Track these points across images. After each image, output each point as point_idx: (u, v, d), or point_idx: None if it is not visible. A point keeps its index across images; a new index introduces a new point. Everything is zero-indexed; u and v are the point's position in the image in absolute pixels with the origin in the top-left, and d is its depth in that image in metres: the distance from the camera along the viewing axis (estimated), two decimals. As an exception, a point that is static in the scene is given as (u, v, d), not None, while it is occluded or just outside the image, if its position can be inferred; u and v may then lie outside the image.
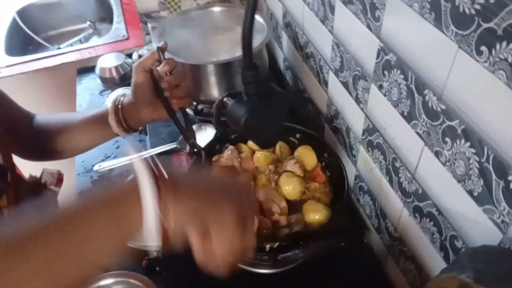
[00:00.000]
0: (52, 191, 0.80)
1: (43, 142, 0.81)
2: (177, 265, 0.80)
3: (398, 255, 0.76)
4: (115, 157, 1.17)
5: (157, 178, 0.39)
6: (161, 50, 0.75)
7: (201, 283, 0.76)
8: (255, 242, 0.43)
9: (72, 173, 1.14)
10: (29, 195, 0.76)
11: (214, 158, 0.83)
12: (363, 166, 0.83)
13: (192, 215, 0.40)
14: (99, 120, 0.79)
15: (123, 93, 1.31)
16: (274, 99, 0.45)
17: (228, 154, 0.78)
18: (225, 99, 0.53)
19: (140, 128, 0.85)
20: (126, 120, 0.78)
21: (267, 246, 0.66)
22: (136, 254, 0.93)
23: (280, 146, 0.81)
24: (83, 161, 1.17)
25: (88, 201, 0.40)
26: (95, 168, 1.02)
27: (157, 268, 0.82)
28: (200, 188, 0.41)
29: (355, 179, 0.88)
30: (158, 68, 0.75)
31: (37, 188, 0.79)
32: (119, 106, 0.78)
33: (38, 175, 0.80)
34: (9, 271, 0.34)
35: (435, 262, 0.64)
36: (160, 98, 0.76)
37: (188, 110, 1.11)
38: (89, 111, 0.83)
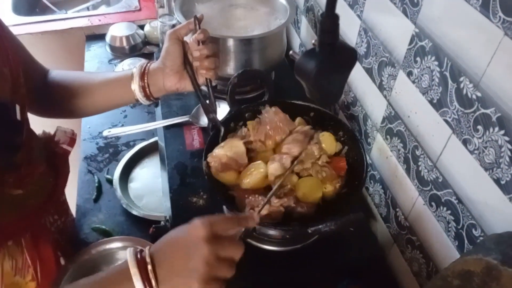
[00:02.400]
0: (64, 150, 0.78)
1: (58, 98, 0.79)
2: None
3: (406, 244, 0.77)
4: (122, 125, 1.16)
5: (144, 268, 0.50)
6: (198, 20, 0.74)
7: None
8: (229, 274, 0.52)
9: (78, 138, 1.13)
10: (42, 152, 0.75)
11: (228, 135, 0.83)
12: (377, 154, 0.84)
13: None
14: (121, 83, 0.78)
15: (135, 62, 1.29)
16: (344, 54, 0.45)
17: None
18: (291, 52, 0.53)
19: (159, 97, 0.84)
20: (150, 86, 0.78)
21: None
22: (143, 222, 0.93)
23: (298, 122, 0.81)
24: (89, 127, 1.15)
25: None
26: (104, 133, 1.01)
27: (164, 237, 0.82)
28: (175, 268, 0.51)
29: (367, 168, 0.88)
30: (193, 36, 0.75)
31: (50, 145, 0.77)
32: (146, 72, 0.77)
33: (52, 133, 0.79)
34: None
35: (447, 251, 0.65)
36: (189, 68, 0.75)
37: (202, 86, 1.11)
38: (111, 73, 0.82)
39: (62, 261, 0.79)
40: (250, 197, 0.70)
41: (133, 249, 0.52)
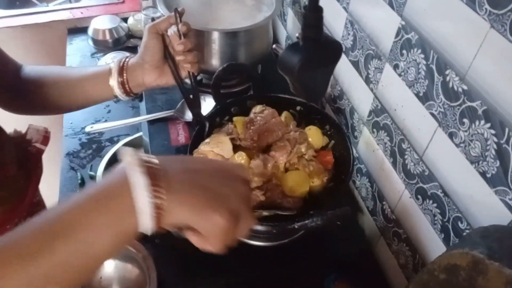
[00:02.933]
0: (38, 149, 0.75)
1: (32, 95, 0.76)
2: (169, 233, 0.79)
3: (392, 237, 0.77)
4: (105, 121, 1.14)
5: (149, 168, 0.38)
6: (179, 14, 0.72)
7: (194, 250, 0.75)
8: (252, 223, 0.43)
9: (59, 134, 1.10)
10: (13, 151, 0.72)
11: (214, 130, 0.81)
12: (364, 148, 0.84)
13: (186, 209, 0.39)
14: (99, 79, 0.76)
15: (118, 56, 1.26)
16: (328, 48, 0.44)
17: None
18: (274, 45, 0.51)
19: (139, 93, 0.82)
20: (129, 82, 0.75)
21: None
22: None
23: (285, 117, 0.80)
24: (71, 123, 1.13)
25: (82, 201, 0.38)
26: (87, 129, 0.98)
27: (149, 235, 0.80)
28: (192, 178, 0.40)
29: (353, 161, 0.88)
30: (175, 30, 0.73)
31: (21, 144, 0.74)
32: (124, 67, 0.75)
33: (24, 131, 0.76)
34: (20, 274, 0.34)
35: (433, 244, 0.65)
36: (170, 62, 0.74)
37: (187, 80, 1.09)
38: (88, 68, 0.79)
39: None
40: None
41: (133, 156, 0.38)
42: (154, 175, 0.37)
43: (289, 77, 0.47)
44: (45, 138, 0.75)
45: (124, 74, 0.75)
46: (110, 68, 0.75)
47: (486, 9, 0.48)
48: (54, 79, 0.77)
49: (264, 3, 1.05)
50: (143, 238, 0.82)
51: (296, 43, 0.44)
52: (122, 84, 0.75)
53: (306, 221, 0.62)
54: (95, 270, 0.38)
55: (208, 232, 0.40)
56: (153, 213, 0.37)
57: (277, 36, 1.27)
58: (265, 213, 0.67)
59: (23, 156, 0.71)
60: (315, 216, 0.64)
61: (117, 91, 0.76)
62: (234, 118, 0.80)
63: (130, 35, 1.43)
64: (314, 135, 0.81)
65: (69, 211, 0.37)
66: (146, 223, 0.37)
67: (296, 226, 0.63)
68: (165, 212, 0.38)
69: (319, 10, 0.42)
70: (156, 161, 0.39)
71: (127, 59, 0.76)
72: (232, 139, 0.76)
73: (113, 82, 0.75)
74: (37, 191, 0.77)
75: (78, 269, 0.37)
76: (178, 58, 0.74)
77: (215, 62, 0.99)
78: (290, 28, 1.16)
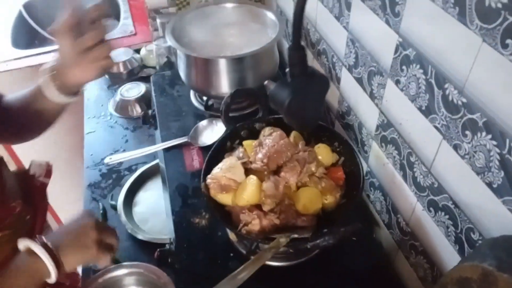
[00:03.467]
0: (41, 183, 0.78)
1: (10, 122, 0.78)
2: (189, 256, 0.81)
3: (409, 250, 0.77)
4: (123, 150, 1.18)
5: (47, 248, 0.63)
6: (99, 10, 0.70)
7: (213, 275, 0.77)
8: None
9: (81, 166, 1.15)
10: (16, 187, 0.74)
11: (226, 155, 0.83)
12: (374, 162, 0.84)
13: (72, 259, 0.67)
14: (36, 97, 0.75)
15: (133, 87, 1.31)
16: (316, 81, 0.46)
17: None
18: (265, 82, 0.54)
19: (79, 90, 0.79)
20: (65, 84, 0.73)
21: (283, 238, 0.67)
22: (149, 246, 0.94)
23: (294, 136, 0.82)
24: (91, 154, 1.17)
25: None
26: (106, 160, 1.02)
27: (169, 260, 0.82)
28: (67, 243, 0.67)
29: (366, 175, 0.89)
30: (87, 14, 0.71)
31: (25, 180, 0.77)
32: (54, 72, 0.73)
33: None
34: None
35: (449, 255, 0.65)
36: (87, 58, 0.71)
37: (198, 105, 1.12)
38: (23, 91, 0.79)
39: None
40: (245, 213, 0.71)
41: (26, 241, 0.63)
42: (47, 247, 0.63)
43: (280, 111, 0.49)
44: (48, 171, 0.78)
45: (60, 78, 0.73)
46: (40, 84, 0.74)
47: (477, 24, 0.49)
48: (18, 105, 0.78)
49: (269, 26, 1.08)
50: (164, 264, 0.84)
51: (285, 79, 0.46)
52: (61, 87, 0.73)
53: (318, 241, 0.63)
54: None
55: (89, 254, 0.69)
56: (55, 265, 0.62)
57: (284, 56, 1.30)
58: (281, 239, 0.68)
59: (27, 191, 0.75)
60: (327, 234, 0.65)
61: (58, 98, 0.74)
62: (244, 142, 0.82)
63: (144, 65, 1.49)
64: (324, 152, 0.82)
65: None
66: (51, 271, 0.62)
67: (308, 246, 0.64)
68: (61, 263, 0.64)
69: (302, 48, 0.44)
70: (44, 239, 0.63)
71: (52, 65, 0.74)
72: (243, 163, 0.78)
73: (51, 90, 0.73)
74: (43, 225, 0.79)
75: None
76: (93, 54, 0.70)
77: (224, 87, 1.02)
78: (296, 48, 1.18)
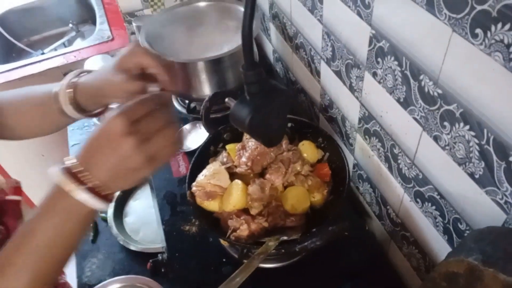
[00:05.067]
0: (13, 201, 0.76)
1: (12, 118, 0.74)
2: (182, 265, 0.80)
3: (401, 240, 0.77)
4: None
5: (68, 169, 0.48)
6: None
7: (208, 282, 0.76)
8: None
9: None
10: None
11: (210, 160, 0.82)
12: (361, 154, 0.83)
13: (115, 179, 0.49)
14: (47, 107, 0.71)
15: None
16: (276, 96, 0.44)
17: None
18: (226, 99, 0.52)
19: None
20: (80, 102, 0.71)
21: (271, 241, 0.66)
22: (142, 256, 0.93)
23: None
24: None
25: (40, 213, 0.50)
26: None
27: (163, 270, 0.82)
28: (103, 159, 0.49)
29: (354, 168, 0.88)
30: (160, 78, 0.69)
31: None
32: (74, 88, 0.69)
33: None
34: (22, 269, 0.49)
35: (439, 245, 0.65)
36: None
37: (181, 109, 1.11)
38: (32, 91, 0.75)
39: None
40: (233, 219, 0.71)
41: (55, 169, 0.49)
42: (75, 172, 0.47)
43: (242, 130, 0.48)
44: (17, 188, 0.75)
45: (75, 96, 0.69)
46: (56, 92, 0.70)
47: (445, 14, 0.48)
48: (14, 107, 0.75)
49: (244, 23, 1.06)
50: (157, 274, 0.83)
51: (244, 97, 0.44)
52: (77, 106, 0.71)
53: (306, 243, 0.63)
54: (75, 245, 0.52)
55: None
56: (93, 194, 0.47)
57: (265, 50, 1.28)
58: (270, 243, 0.68)
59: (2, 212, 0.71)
60: (316, 235, 0.65)
61: (74, 114, 0.71)
62: (227, 146, 0.81)
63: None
64: (308, 149, 0.81)
65: (36, 223, 0.50)
66: (95, 203, 0.48)
67: (296, 249, 0.64)
68: (102, 188, 0.48)
69: (256, 66, 0.42)
70: (74, 160, 0.48)
71: (76, 80, 0.71)
72: (227, 168, 0.77)
73: (67, 105, 0.70)
74: None
75: (55, 252, 0.50)
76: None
77: (205, 89, 1.01)
78: (275, 42, 1.16)
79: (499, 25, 0.41)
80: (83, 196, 0.47)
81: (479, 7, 0.43)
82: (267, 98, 0.43)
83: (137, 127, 0.47)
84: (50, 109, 0.72)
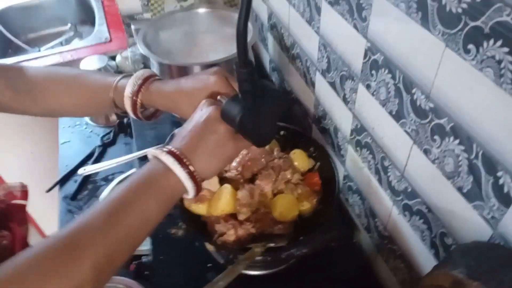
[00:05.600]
0: (19, 205, 0.75)
1: (34, 94, 0.70)
2: (166, 268, 0.79)
3: (388, 254, 0.77)
4: (99, 161, 1.16)
5: (171, 152, 0.50)
6: None
7: (191, 285, 0.75)
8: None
9: (55, 177, 1.12)
10: None
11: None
12: (351, 165, 0.84)
13: (211, 165, 0.53)
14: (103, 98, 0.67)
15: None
16: (268, 97, 0.45)
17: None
18: (218, 97, 0.53)
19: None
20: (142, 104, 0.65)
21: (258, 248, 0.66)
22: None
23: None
24: (66, 165, 1.14)
25: (134, 186, 0.49)
26: (80, 171, 1.00)
27: (146, 272, 0.81)
28: (198, 145, 0.52)
29: (344, 179, 0.89)
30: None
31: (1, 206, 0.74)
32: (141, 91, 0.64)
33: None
34: (98, 243, 0.44)
35: (425, 259, 0.65)
36: None
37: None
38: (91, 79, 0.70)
39: None
40: (220, 223, 0.70)
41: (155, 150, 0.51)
42: (177, 156, 0.50)
43: (232, 127, 0.48)
44: (24, 192, 0.74)
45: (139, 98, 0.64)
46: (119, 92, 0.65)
47: (439, 29, 0.48)
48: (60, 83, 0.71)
49: (243, 31, 1.07)
50: (140, 277, 0.82)
51: (236, 95, 0.45)
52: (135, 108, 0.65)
53: (292, 250, 0.62)
54: (152, 229, 0.51)
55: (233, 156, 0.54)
56: (192, 179, 0.50)
57: (262, 60, 1.29)
58: (257, 249, 0.67)
59: (3, 216, 0.72)
60: (303, 243, 0.65)
61: (130, 111, 0.66)
62: (218, 151, 0.81)
63: (119, 72, 1.46)
64: (299, 158, 0.81)
65: (126, 193, 0.49)
66: (191, 188, 0.50)
67: (283, 256, 0.63)
68: (198, 174, 0.51)
69: (249, 65, 0.43)
70: (170, 147, 0.51)
71: (146, 84, 0.64)
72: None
73: (128, 106, 0.65)
74: (22, 247, 0.76)
75: (139, 232, 0.48)
76: None
77: (199, 94, 1.01)
78: (272, 52, 1.17)
79: (491, 42, 0.42)
80: (185, 177, 0.49)
81: (472, 23, 0.43)
82: (259, 98, 0.43)
83: None
84: (101, 98, 0.67)
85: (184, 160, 0.50)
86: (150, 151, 0.52)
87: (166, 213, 0.51)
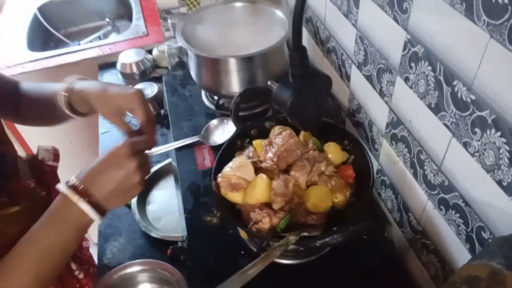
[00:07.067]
0: (51, 166, 0.82)
1: (25, 107, 0.83)
2: (201, 254, 0.82)
3: (421, 249, 0.77)
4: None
5: (73, 187, 0.61)
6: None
7: (225, 272, 0.77)
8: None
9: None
10: (27, 168, 0.78)
11: (236, 154, 0.84)
12: (385, 160, 0.84)
13: (113, 198, 0.63)
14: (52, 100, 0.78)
15: (145, 87, 1.32)
16: (317, 81, 0.46)
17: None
18: (269, 82, 0.54)
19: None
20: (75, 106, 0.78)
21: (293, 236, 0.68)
22: (162, 243, 0.95)
23: (303, 135, 0.82)
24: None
25: (44, 221, 0.62)
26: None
27: (182, 257, 0.84)
28: (103, 179, 0.62)
29: (377, 173, 0.89)
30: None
31: (35, 164, 0.81)
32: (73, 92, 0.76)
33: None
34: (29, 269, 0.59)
35: (460, 254, 0.65)
36: None
37: (209, 104, 1.13)
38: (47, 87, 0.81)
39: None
40: (255, 212, 0.72)
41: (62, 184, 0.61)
42: (80, 189, 0.60)
43: (283, 111, 0.50)
44: (55, 155, 0.83)
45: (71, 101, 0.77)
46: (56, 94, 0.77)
47: (484, 20, 0.48)
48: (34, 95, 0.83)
49: (277, 24, 1.08)
50: (176, 261, 0.85)
51: (287, 79, 0.46)
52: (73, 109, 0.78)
53: (327, 239, 0.63)
54: (70, 255, 0.65)
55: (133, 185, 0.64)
56: (93, 209, 0.60)
57: (295, 53, 1.30)
58: (291, 237, 0.68)
59: (40, 174, 0.79)
60: (336, 233, 0.65)
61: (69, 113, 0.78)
62: (254, 142, 0.82)
63: (156, 65, 1.50)
64: (333, 151, 0.82)
65: (40, 231, 0.61)
66: (94, 215, 0.60)
67: (317, 244, 0.64)
68: (102, 203, 0.61)
69: (303, 49, 0.45)
70: (75, 180, 0.61)
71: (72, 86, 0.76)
72: (253, 162, 0.79)
73: (64, 106, 0.76)
74: None
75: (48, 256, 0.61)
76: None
77: (235, 86, 1.03)
78: (306, 45, 1.17)
79: (539, 32, 0.41)
80: (85, 207, 0.59)
81: (519, 14, 0.43)
82: (309, 82, 0.44)
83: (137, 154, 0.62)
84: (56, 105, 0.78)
85: (85, 192, 0.60)
86: (57, 187, 0.62)
87: (81, 237, 0.63)
